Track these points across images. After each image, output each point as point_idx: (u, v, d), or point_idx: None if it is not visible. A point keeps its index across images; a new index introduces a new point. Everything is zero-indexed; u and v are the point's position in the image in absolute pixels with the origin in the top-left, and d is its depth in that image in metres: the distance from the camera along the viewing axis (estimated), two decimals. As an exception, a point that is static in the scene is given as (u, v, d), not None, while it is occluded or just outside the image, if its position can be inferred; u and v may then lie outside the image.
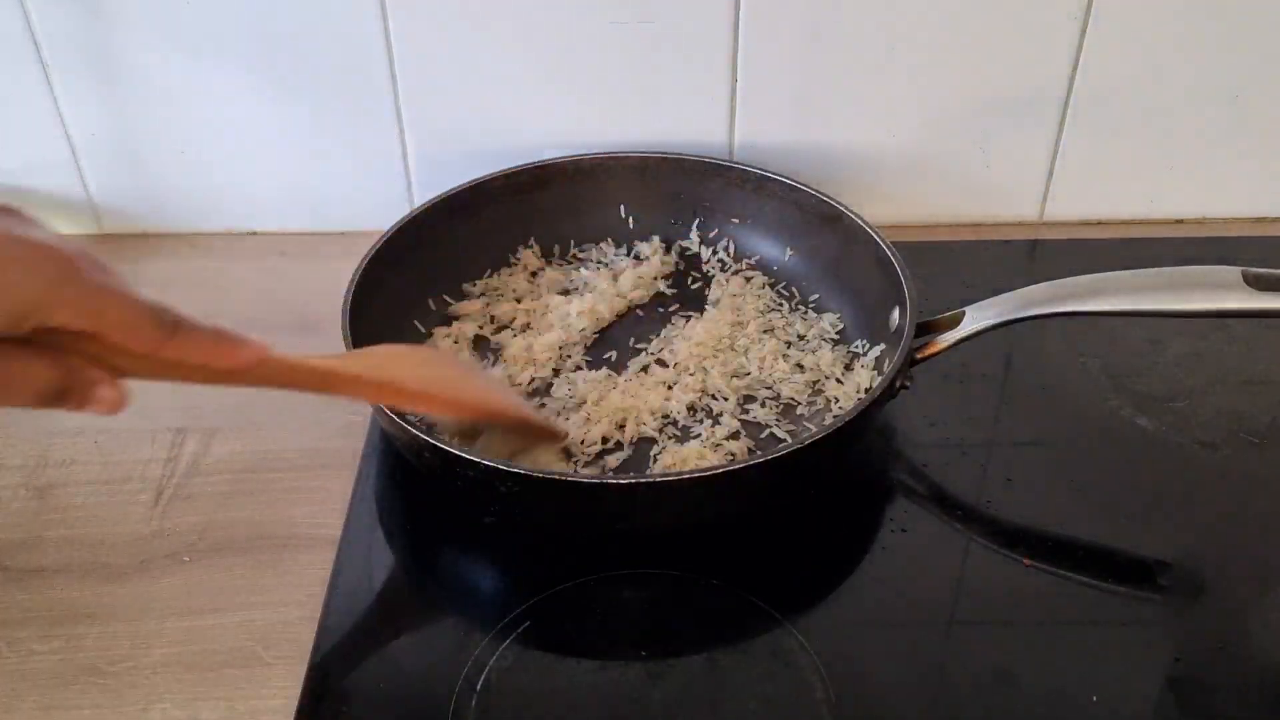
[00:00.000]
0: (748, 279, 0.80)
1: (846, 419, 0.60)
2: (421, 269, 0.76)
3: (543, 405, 0.71)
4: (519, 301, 0.79)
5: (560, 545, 0.64)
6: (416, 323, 0.76)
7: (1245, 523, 0.66)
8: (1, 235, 0.40)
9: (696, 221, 0.83)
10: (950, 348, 0.66)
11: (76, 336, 0.43)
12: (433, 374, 0.59)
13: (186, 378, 0.48)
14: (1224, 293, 0.61)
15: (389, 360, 0.57)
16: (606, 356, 0.75)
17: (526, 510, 0.62)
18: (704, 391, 0.71)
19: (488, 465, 0.57)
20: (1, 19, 0.78)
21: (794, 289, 0.80)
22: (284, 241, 0.86)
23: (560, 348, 0.75)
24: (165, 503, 0.66)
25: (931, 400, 0.72)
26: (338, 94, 0.83)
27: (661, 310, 0.79)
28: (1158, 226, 0.91)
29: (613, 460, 0.67)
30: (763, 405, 0.71)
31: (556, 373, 0.73)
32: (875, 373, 0.71)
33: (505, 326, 0.78)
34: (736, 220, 0.83)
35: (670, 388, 0.72)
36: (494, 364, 0.74)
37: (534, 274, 0.82)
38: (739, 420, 0.70)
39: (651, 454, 0.68)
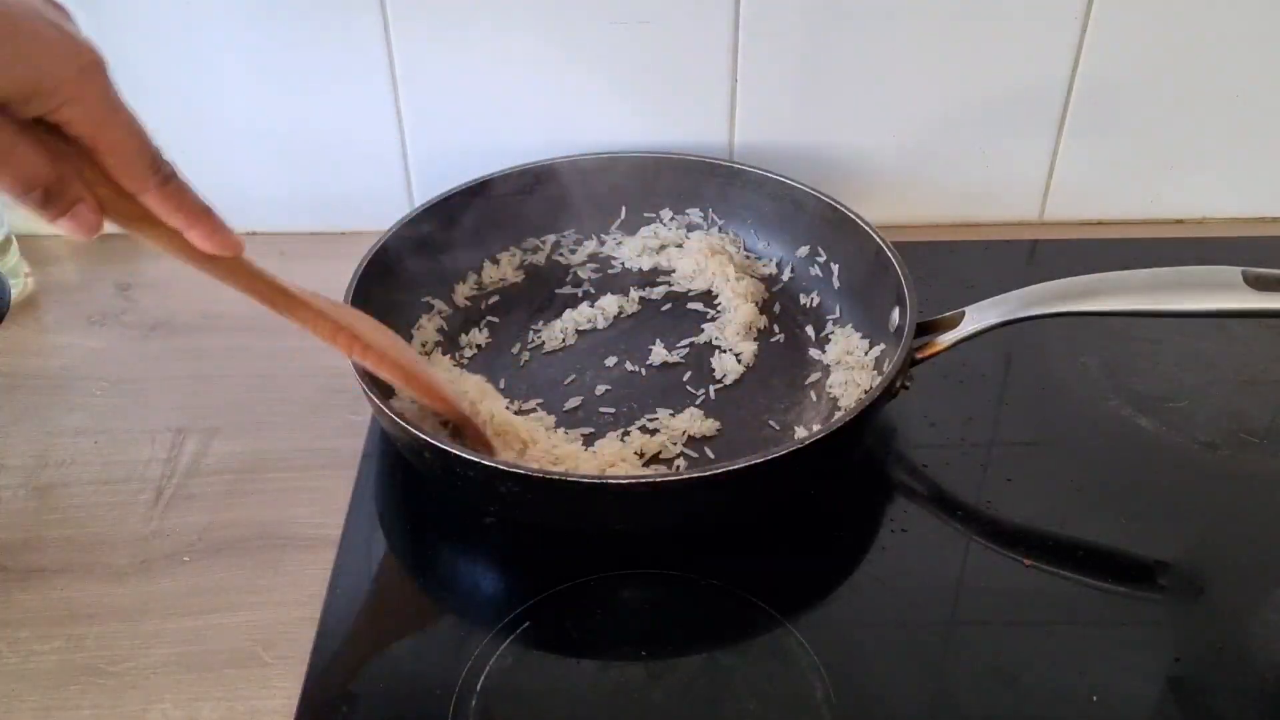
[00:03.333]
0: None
1: (846, 419, 0.60)
2: (421, 269, 0.76)
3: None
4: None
5: (560, 545, 0.64)
6: (417, 324, 0.76)
7: (1245, 523, 0.66)
8: (43, 18, 0.41)
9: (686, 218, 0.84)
10: (950, 348, 0.66)
11: (72, 147, 0.43)
12: (384, 340, 0.60)
13: (156, 240, 0.47)
14: (1224, 293, 0.61)
15: (350, 312, 0.59)
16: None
17: (526, 510, 0.62)
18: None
19: (488, 465, 0.57)
20: (1, 19, 0.78)
21: (794, 289, 0.80)
22: (284, 241, 0.86)
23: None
24: (165, 503, 0.66)
25: (931, 400, 0.72)
26: (338, 94, 0.83)
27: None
28: (1158, 226, 0.91)
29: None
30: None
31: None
32: (875, 373, 0.71)
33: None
34: (737, 220, 0.82)
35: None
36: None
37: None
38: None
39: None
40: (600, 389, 0.72)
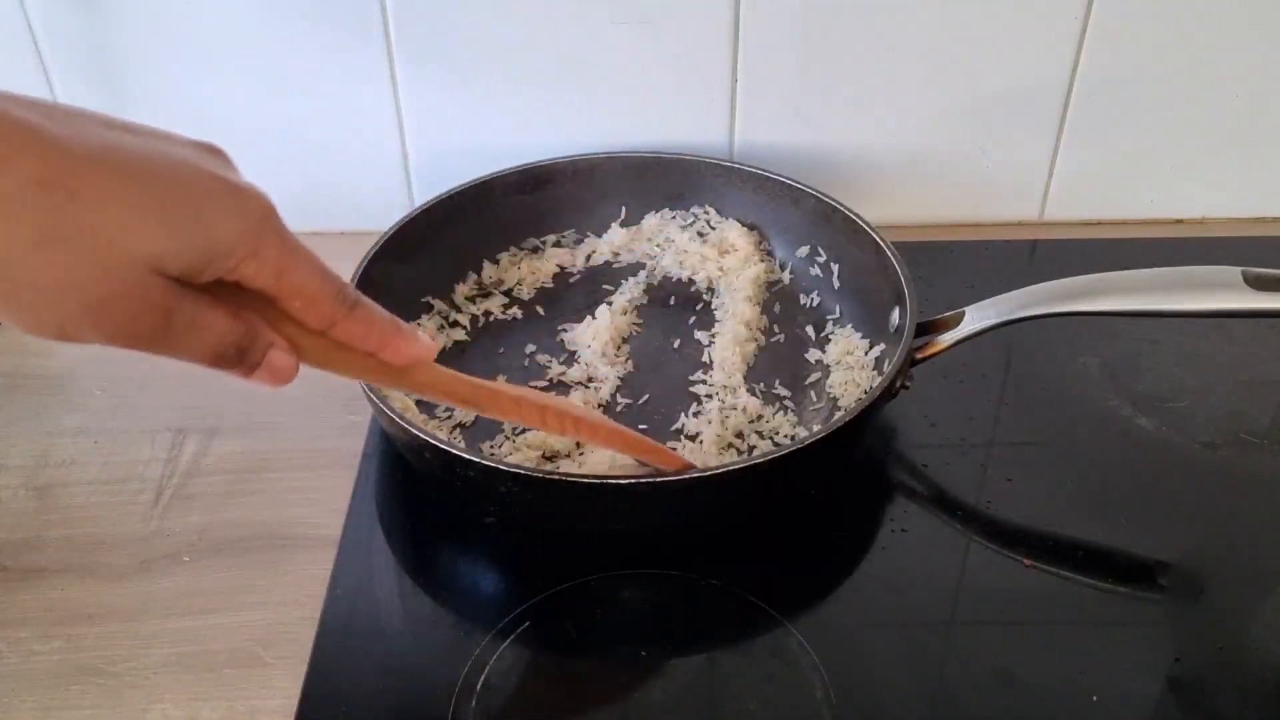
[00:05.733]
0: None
1: (846, 419, 0.60)
2: (421, 269, 0.76)
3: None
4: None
5: (560, 545, 0.64)
6: (417, 323, 0.76)
7: (1245, 523, 0.66)
8: (208, 173, 0.38)
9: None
10: (950, 348, 0.66)
11: (251, 298, 0.40)
12: (592, 413, 0.58)
13: (345, 368, 0.45)
14: (1224, 293, 0.61)
15: (551, 397, 0.58)
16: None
17: (526, 510, 0.62)
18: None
19: (488, 465, 0.57)
20: (1, 18, 0.78)
21: (794, 289, 0.80)
22: (284, 241, 0.85)
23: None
24: (165, 503, 0.66)
25: (931, 400, 0.72)
26: (338, 94, 0.83)
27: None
28: (1158, 226, 0.91)
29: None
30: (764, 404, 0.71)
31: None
32: (875, 373, 0.71)
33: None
34: (737, 220, 0.83)
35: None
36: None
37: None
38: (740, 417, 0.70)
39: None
40: (600, 388, 0.72)
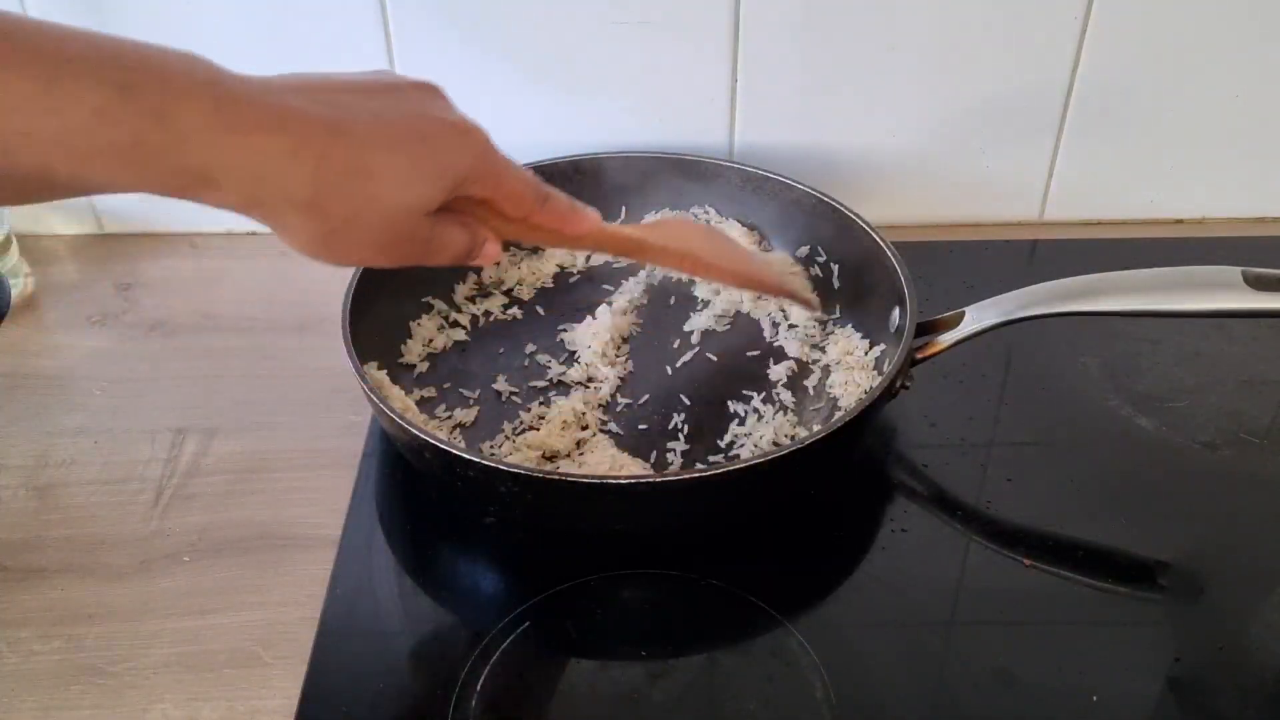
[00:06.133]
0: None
1: (846, 419, 0.60)
2: (421, 269, 0.75)
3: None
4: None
5: (560, 545, 0.64)
6: (417, 323, 0.76)
7: (1245, 523, 0.66)
8: (438, 120, 0.47)
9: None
10: (950, 348, 0.66)
11: (475, 203, 0.51)
12: (716, 246, 0.64)
13: (533, 238, 0.55)
14: (1224, 293, 0.61)
15: (684, 231, 0.63)
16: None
17: (526, 510, 0.62)
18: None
19: (488, 465, 0.57)
20: None
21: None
22: (284, 241, 0.85)
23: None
24: (165, 503, 0.66)
25: (931, 400, 0.72)
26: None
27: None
28: (1158, 226, 0.91)
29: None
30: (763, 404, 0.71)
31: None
32: (875, 373, 0.71)
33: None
34: (737, 220, 0.83)
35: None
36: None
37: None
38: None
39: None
40: (601, 388, 0.72)
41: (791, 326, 0.77)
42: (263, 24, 0.80)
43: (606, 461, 0.66)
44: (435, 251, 0.50)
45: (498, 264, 0.81)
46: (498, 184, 0.50)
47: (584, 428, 0.69)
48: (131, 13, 0.79)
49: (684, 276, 0.82)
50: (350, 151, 0.44)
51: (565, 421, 0.69)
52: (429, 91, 0.49)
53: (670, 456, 0.68)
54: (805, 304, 0.71)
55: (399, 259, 0.49)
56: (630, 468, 0.66)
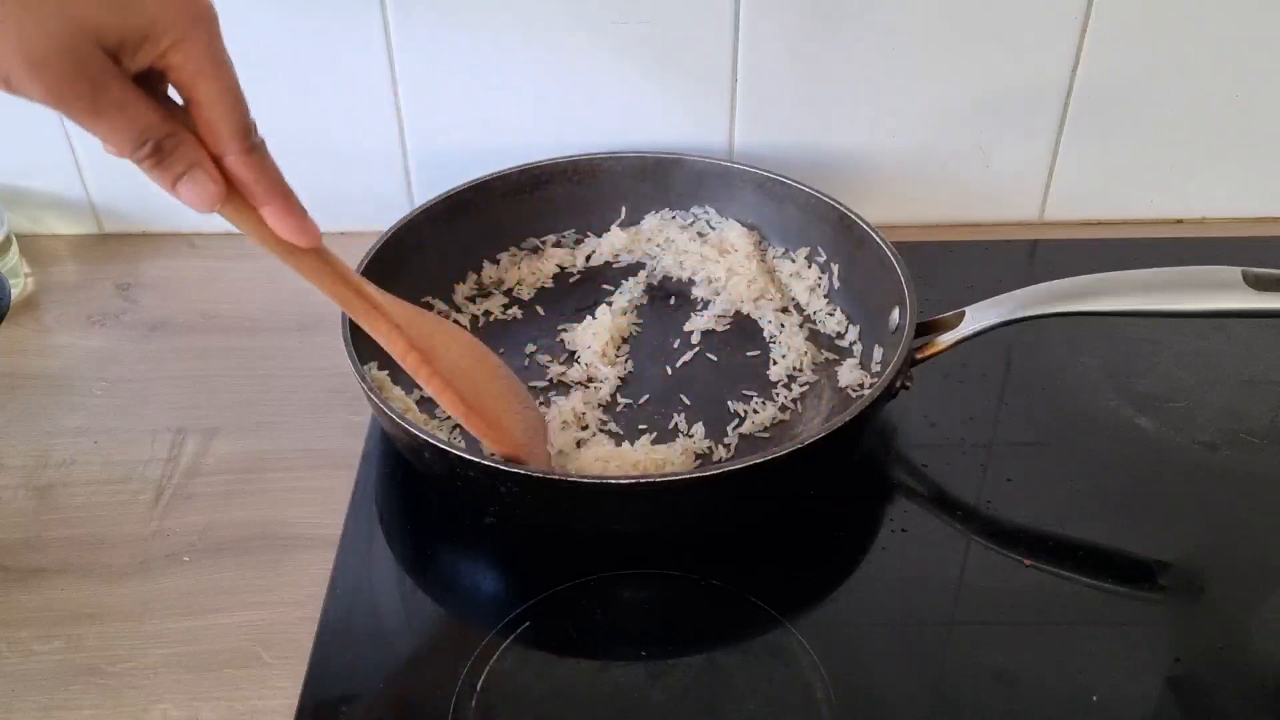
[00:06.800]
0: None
1: (846, 419, 0.60)
2: (421, 269, 0.76)
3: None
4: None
5: (560, 545, 0.64)
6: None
7: (1245, 523, 0.66)
8: None
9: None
10: (950, 348, 0.66)
11: (177, 110, 0.44)
12: (467, 365, 0.58)
13: (239, 218, 0.48)
14: (1224, 293, 0.61)
15: (438, 330, 0.57)
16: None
17: (526, 510, 0.62)
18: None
19: (488, 465, 0.57)
20: (1, 19, 0.78)
21: (794, 290, 0.80)
22: (284, 241, 0.85)
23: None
24: (165, 503, 0.66)
25: (931, 400, 0.72)
26: (338, 94, 0.83)
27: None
28: (1158, 226, 0.91)
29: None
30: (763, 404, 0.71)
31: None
32: (875, 373, 0.71)
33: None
34: (737, 220, 0.83)
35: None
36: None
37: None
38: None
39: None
40: (601, 388, 0.72)
41: (792, 326, 0.77)
42: (264, 22, 0.80)
43: (604, 461, 0.66)
44: (110, 110, 0.42)
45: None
46: (199, 75, 0.44)
47: (584, 427, 0.70)
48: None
49: (684, 276, 0.82)
50: None
51: (565, 421, 0.69)
52: None
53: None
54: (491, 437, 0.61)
55: (55, 88, 0.41)
56: (630, 468, 0.66)
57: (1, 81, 0.41)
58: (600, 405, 0.71)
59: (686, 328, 0.78)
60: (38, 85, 0.41)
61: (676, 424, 0.70)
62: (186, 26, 0.43)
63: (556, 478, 0.58)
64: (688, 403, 0.72)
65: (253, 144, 0.46)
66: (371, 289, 0.54)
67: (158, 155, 0.44)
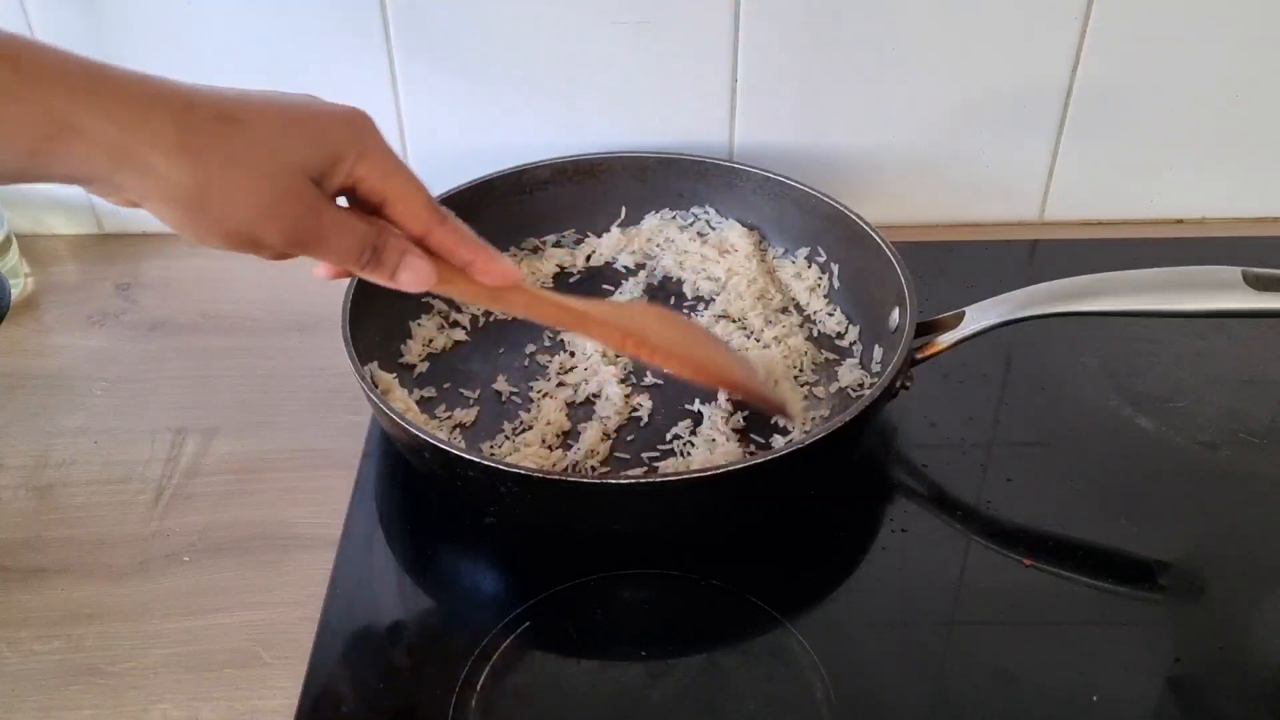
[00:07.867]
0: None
1: (846, 419, 0.60)
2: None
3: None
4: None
5: (560, 545, 0.64)
6: (417, 323, 0.76)
7: (1245, 523, 0.66)
8: (317, 100, 0.47)
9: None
10: (950, 348, 0.66)
11: (374, 209, 0.48)
12: (674, 334, 0.59)
13: (449, 286, 0.51)
14: (1224, 293, 0.61)
15: (637, 312, 0.60)
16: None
17: (526, 510, 0.62)
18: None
19: (488, 465, 0.57)
20: (1, 18, 0.78)
21: (794, 290, 0.80)
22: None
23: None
24: (165, 503, 0.66)
25: (931, 400, 0.72)
26: (338, 95, 0.83)
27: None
28: (1158, 226, 0.91)
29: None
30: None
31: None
32: (875, 373, 0.71)
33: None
34: (737, 220, 0.83)
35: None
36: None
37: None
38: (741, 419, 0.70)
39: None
40: (599, 389, 0.72)
41: (792, 326, 0.77)
42: (263, 25, 0.80)
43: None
44: (332, 233, 0.47)
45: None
46: (385, 174, 0.48)
47: (584, 428, 0.70)
48: (131, 13, 0.79)
49: (684, 277, 0.82)
50: (219, 104, 0.44)
51: (565, 421, 0.69)
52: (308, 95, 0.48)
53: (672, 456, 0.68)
54: (785, 415, 0.66)
55: (289, 229, 0.46)
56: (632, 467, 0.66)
57: (248, 242, 0.45)
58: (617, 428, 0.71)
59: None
60: (277, 231, 0.45)
61: (676, 425, 0.70)
62: (362, 139, 0.47)
63: (556, 478, 0.58)
64: (687, 403, 0.72)
65: (443, 215, 0.50)
66: (571, 300, 0.55)
67: (376, 258, 0.48)
